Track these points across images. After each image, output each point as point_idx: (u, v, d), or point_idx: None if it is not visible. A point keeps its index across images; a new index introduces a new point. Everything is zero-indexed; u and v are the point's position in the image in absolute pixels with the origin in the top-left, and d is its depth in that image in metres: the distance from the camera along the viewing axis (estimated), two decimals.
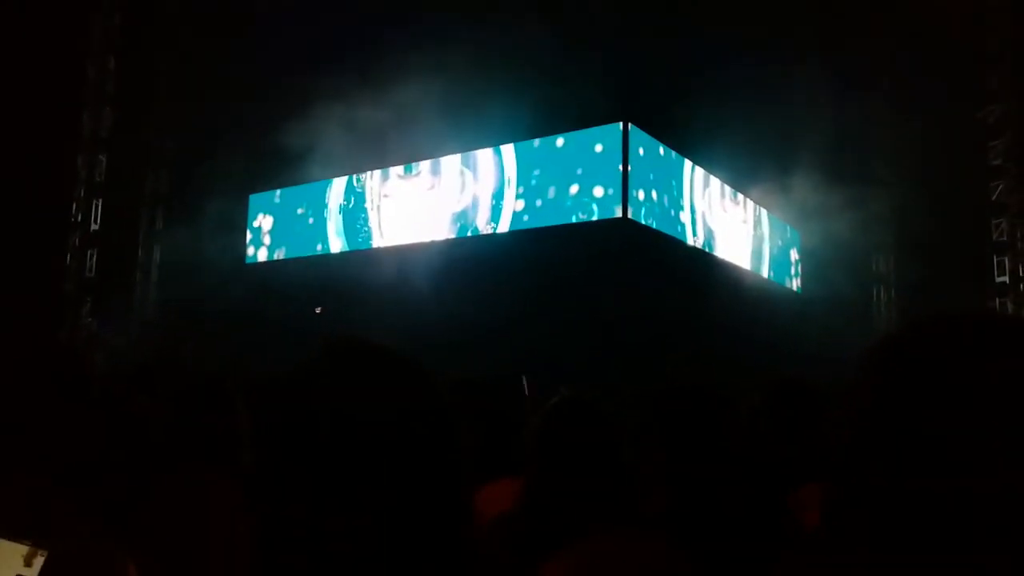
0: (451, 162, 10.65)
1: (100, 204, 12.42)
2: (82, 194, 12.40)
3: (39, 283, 10.94)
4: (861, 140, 11.91)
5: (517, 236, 9.82)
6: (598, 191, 9.23)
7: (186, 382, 2.01)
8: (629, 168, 9.06)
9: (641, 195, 9.32)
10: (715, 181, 11.19)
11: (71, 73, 11.91)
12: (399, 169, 11.16)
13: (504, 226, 9.98)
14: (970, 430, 0.70)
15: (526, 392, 2.40)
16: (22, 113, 9.90)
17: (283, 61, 10.41)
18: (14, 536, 1.22)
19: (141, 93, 12.23)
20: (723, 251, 11.29)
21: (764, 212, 12.69)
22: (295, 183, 12.06)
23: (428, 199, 10.82)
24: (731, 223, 11.65)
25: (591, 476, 1.48)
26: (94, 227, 12.41)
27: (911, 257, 11.36)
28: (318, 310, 11.18)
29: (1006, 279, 10.75)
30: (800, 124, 10.00)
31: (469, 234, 10.32)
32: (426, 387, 0.93)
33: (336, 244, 11.67)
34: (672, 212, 10.05)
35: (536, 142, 9.89)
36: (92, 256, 12.35)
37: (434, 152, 10.69)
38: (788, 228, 13.42)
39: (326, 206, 11.85)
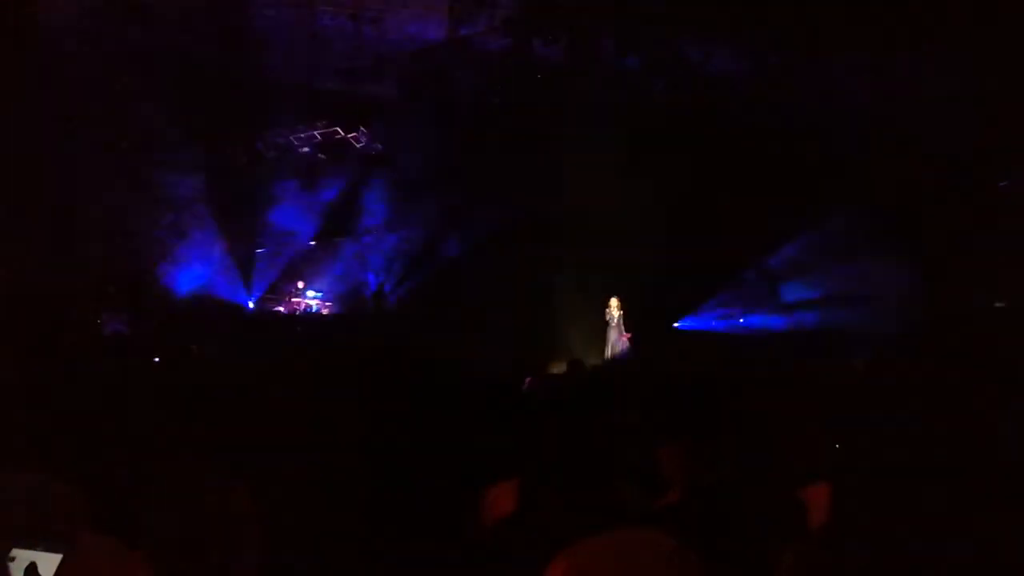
0: None
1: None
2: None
3: (48, 283, 10.95)
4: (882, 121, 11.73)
5: None
6: None
7: (193, 381, 2.01)
8: None
9: None
10: None
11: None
12: None
13: None
14: (985, 429, 0.70)
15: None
16: (31, 112, 9.92)
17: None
18: (26, 543, 1.23)
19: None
20: None
21: None
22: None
23: None
24: None
25: (589, 476, 1.47)
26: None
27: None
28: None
29: None
30: None
31: None
32: (437, 390, 0.94)
33: None
34: None
35: None
36: (102, 255, 12.34)
37: None
38: None
39: None
